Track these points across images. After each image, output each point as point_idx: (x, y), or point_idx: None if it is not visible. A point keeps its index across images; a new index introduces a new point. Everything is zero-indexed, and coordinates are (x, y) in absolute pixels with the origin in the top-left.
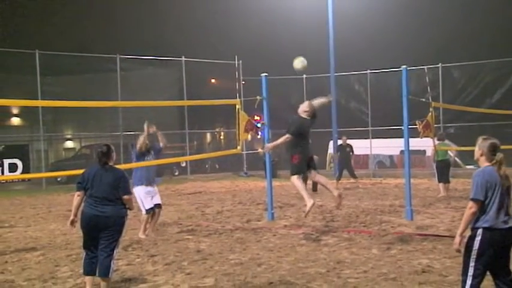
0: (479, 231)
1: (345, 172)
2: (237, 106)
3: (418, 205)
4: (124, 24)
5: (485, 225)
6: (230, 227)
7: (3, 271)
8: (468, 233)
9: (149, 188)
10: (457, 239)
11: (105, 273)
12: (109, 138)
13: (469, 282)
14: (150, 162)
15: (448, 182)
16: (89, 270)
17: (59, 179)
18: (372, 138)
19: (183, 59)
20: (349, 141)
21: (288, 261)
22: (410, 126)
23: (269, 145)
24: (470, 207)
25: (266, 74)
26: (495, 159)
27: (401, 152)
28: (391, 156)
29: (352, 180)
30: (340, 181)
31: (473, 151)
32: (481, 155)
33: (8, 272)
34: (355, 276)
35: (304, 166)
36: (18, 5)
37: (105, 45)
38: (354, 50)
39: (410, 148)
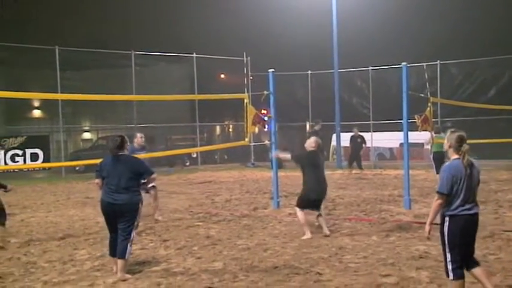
0: (446, 218)
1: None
2: (245, 100)
3: (415, 195)
4: (139, 22)
5: (451, 213)
6: (238, 215)
7: (26, 253)
8: (439, 220)
9: None
10: (427, 228)
11: (121, 254)
12: (124, 130)
13: (449, 266)
14: (152, 154)
15: None
16: (113, 251)
17: (77, 168)
18: (373, 131)
19: (194, 55)
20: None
21: (293, 247)
22: (409, 120)
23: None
24: (437, 199)
25: (273, 70)
26: (461, 151)
27: (401, 144)
28: (391, 149)
29: (356, 171)
30: (349, 170)
31: (469, 144)
32: (450, 147)
33: (30, 254)
34: (355, 261)
35: (308, 204)
36: (40, 4)
37: (120, 42)
38: (356, 48)
39: (409, 141)
